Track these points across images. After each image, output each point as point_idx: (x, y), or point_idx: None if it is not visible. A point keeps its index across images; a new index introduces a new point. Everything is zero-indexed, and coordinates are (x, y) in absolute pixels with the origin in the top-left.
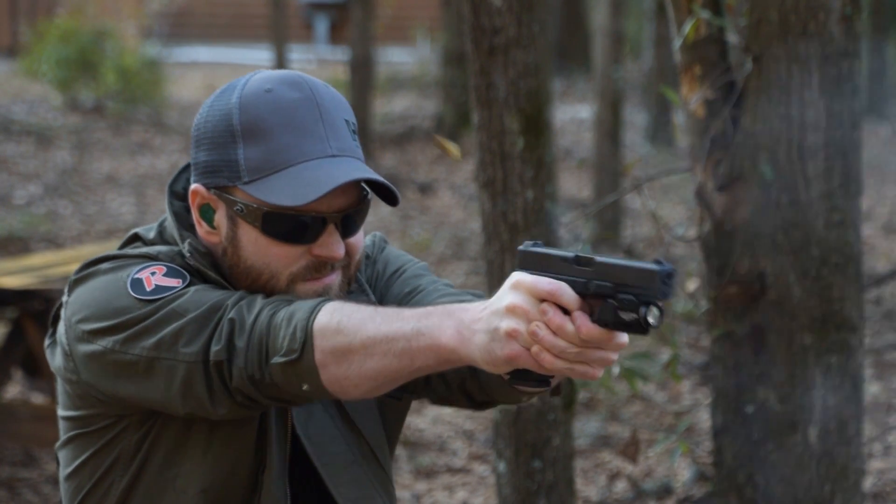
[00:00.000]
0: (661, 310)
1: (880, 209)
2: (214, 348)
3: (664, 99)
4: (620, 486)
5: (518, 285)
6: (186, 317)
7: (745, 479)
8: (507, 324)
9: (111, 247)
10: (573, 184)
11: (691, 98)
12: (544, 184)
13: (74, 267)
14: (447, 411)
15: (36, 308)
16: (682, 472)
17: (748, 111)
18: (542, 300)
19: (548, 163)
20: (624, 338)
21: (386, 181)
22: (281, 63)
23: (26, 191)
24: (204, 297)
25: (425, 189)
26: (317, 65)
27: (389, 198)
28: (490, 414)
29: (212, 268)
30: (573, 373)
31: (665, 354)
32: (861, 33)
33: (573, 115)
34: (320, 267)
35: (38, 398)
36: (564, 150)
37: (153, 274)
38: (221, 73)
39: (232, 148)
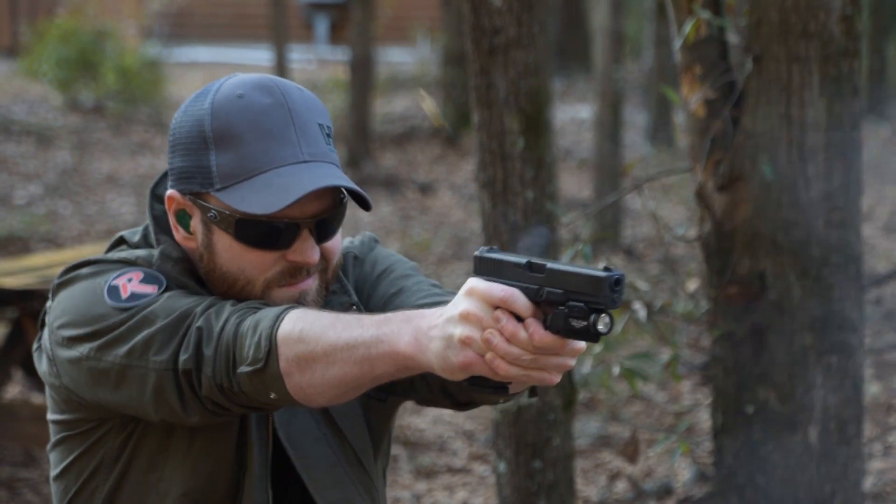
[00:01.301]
0: (611, 317)
1: (880, 209)
2: (183, 357)
3: (664, 99)
4: (620, 486)
5: (472, 292)
6: (157, 325)
7: (745, 479)
8: (461, 331)
9: None
10: (573, 184)
11: (691, 98)
12: (544, 184)
13: None
14: (447, 411)
15: (36, 308)
16: (682, 472)
17: (748, 111)
18: (496, 307)
19: (548, 163)
20: (580, 344)
21: (356, 187)
22: (281, 63)
23: (26, 191)
24: (175, 305)
25: (425, 189)
26: (317, 65)
27: (362, 203)
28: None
29: (186, 273)
30: (530, 379)
31: (665, 354)
32: (861, 33)
33: (573, 115)
34: (295, 272)
35: (38, 398)
36: (564, 150)
37: (130, 280)
38: (221, 73)
39: (204, 154)
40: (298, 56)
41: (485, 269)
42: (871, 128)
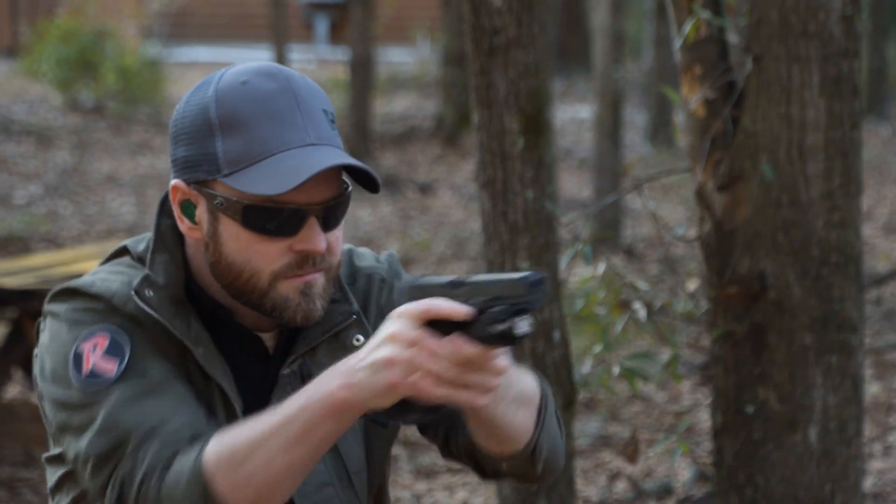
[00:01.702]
0: (531, 318)
1: (880, 209)
2: (109, 494)
3: (664, 99)
4: (620, 486)
5: (396, 314)
6: (94, 442)
7: (745, 479)
8: (385, 351)
9: (111, 247)
10: (573, 184)
11: (691, 98)
12: (544, 184)
13: (75, 267)
14: None
15: (36, 308)
16: (682, 472)
17: (748, 111)
18: (425, 323)
19: (548, 163)
20: (503, 360)
21: (366, 167)
22: (281, 63)
23: (26, 191)
24: (117, 420)
25: (425, 189)
26: (317, 65)
27: (371, 185)
28: None
29: (166, 301)
30: (457, 399)
31: (665, 354)
32: (861, 33)
33: (573, 115)
34: (302, 262)
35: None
36: (564, 150)
37: (94, 349)
38: None
39: (210, 141)
40: (298, 56)
41: (416, 296)
42: (871, 128)
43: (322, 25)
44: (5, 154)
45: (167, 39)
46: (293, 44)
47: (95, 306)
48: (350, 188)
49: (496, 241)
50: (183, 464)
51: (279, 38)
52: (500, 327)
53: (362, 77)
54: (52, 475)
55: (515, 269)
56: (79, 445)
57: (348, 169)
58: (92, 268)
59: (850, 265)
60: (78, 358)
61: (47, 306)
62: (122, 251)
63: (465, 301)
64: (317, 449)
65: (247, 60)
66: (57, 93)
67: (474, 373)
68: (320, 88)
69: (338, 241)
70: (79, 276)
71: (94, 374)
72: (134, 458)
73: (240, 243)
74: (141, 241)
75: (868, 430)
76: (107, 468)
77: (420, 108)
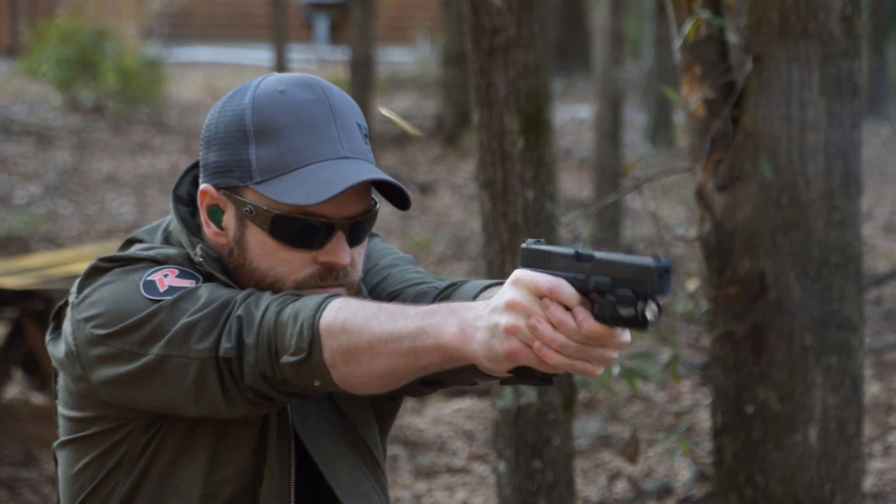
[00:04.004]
0: (658, 305)
1: (880, 209)
2: (225, 346)
3: (664, 99)
4: (620, 486)
5: (518, 282)
6: (197, 314)
7: (745, 479)
8: (506, 320)
9: (111, 247)
10: (573, 184)
11: (691, 98)
12: (544, 184)
13: (75, 267)
14: (447, 411)
15: (36, 308)
16: (682, 472)
17: (748, 111)
18: (542, 296)
19: (548, 163)
20: (625, 335)
21: (400, 183)
22: (281, 63)
23: (26, 191)
24: (214, 295)
25: (425, 189)
26: (317, 65)
27: (401, 202)
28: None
29: (222, 273)
30: (574, 369)
31: (665, 354)
32: (861, 33)
33: (573, 115)
34: (326, 275)
35: (38, 398)
36: (564, 150)
37: (166, 276)
38: (221, 73)
39: (244, 148)
40: (298, 56)
41: (531, 260)
42: (871, 128)
43: (322, 25)
44: (5, 154)
45: (167, 39)
46: (293, 44)
47: (149, 262)
48: (378, 205)
49: (496, 241)
50: (303, 304)
51: (279, 38)
52: (629, 312)
53: (362, 77)
54: (73, 459)
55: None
56: (175, 328)
57: (380, 184)
58: None
59: (850, 265)
60: (150, 284)
61: (88, 274)
62: (132, 243)
63: (586, 276)
64: (417, 371)
65: (247, 62)
66: (57, 93)
67: (595, 347)
68: (354, 103)
69: (361, 257)
70: (79, 276)
71: (172, 290)
72: (247, 303)
73: (265, 251)
74: (153, 232)
75: (868, 430)
76: (217, 325)
77: (420, 108)
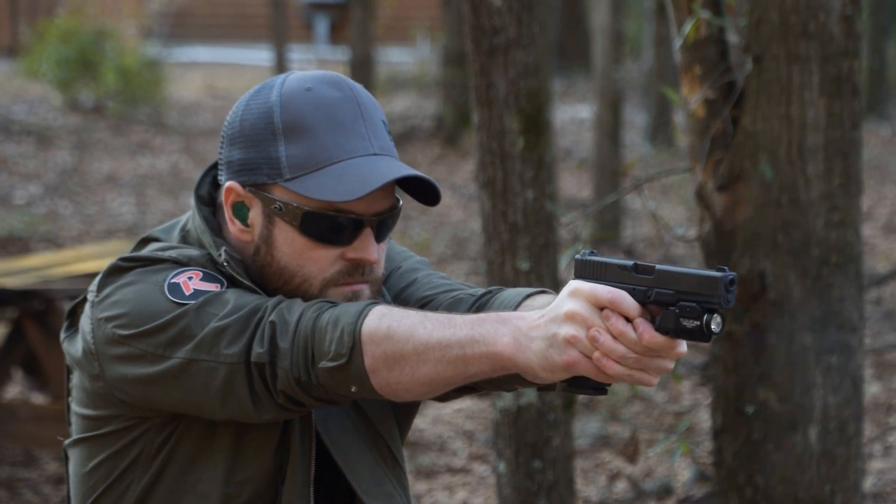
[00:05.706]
0: (723, 317)
1: (880, 209)
2: (257, 350)
3: (664, 99)
4: (620, 486)
5: (577, 293)
6: (226, 318)
7: (745, 479)
8: (566, 330)
9: (111, 247)
10: (573, 184)
11: (691, 98)
12: (544, 184)
13: (75, 267)
14: (447, 411)
15: (36, 308)
16: (682, 472)
17: (748, 111)
18: (602, 307)
19: (548, 163)
20: (684, 346)
21: (432, 179)
22: (281, 63)
23: (26, 191)
24: (242, 300)
25: None
26: (317, 65)
27: (429, 197)
28: (490, 414)
29: (246, 276)
30: (631, 379)
31: None
32: (861, 33)
33: (573, 115)
34: (352, 271)
35: (38, 398)
36: (564, 150)
37: (190, 279)
38: (221, 73)
39: (272, 145)
40: (298, 56)
41: (585, 271)
42: (871, 128)
43: (322, 25)
44: (5, 154)
45: (167, 39)
46: (293, 44)
47: (171, 264)
48: (402, 202)
49: (496, 241)
50: (343, 311)
51: (279, 38)
52: (693, 323)
53: (362, 77)
54: (87, 457)
55: (515, 270)
56: (204, 332)
57: (407, 181)
58: (92, 268)
59: (850, 265)
60: (175, 286)
61: (109, 273)
62: (149, 240)
63: (647, 288)
64: (464, 378)
65: (247, 62)
66: (57, 93)
67: (653, 358)
68: (376, 100)
69: (384, 254)
70: (79, 276)
71: (198, 293)
72: (280, 309)
73: (293, 248)
74: (169, 231)
75: (868, 430)
76: (247, 330)
77: (420, 108)
